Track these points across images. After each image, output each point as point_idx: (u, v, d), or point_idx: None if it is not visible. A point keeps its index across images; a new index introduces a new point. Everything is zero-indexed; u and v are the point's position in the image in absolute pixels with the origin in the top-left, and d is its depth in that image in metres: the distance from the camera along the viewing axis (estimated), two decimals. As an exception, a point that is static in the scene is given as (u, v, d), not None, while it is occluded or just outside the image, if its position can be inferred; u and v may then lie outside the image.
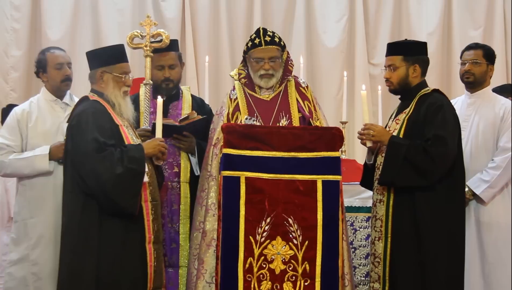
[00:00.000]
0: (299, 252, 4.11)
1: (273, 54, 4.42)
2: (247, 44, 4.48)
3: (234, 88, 4.59)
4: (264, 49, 4.41)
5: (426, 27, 7.34)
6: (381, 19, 7.43)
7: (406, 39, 4.78)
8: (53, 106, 4.66)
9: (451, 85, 7.23)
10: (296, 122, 4.43)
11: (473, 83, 4.82)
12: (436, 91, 4.38)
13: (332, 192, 4.15)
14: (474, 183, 4.64)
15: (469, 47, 4.91)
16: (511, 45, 7.36)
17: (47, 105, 4.65)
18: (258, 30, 4.47)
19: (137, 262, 4.04)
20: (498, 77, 6.63)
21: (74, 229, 3.98)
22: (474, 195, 4.65)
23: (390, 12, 7.40)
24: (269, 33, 4.45)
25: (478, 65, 4.80)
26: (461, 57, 4.92)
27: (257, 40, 4.42)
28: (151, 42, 4.72)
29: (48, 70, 4.64)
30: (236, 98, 4.52)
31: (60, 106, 4.66)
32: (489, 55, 4.85)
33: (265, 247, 4.10)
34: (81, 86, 5.31)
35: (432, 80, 6.55)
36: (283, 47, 4.50)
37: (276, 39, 4.44)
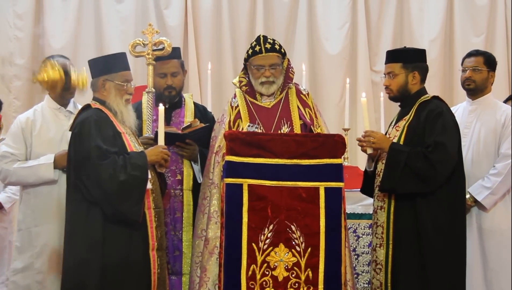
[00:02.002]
0: (302, 259, 4.10)
1: (274, 61, 4.43)
2: (247, 51, 4.49)
3: (235, 96, 4.59)
4: (265, 56, 4.42)
5: (428, 34, 7.32)
6: (383, 26, 7.41)
7: (405, 47, 4.78)
8: (57, 114, 4.65)
9: (453, 92, 7.21)
10: (297, 129, 4.44)
11: (474, 90, 4.83)
12: (435, 98, 4.39)
13: (335, 199, 4.14)
14: (476, 189, 4.64)
15: (470, 54, 4.92)
16: (513, 51, 7.38)
17: (51, 113, 4.65)
18: (258, 37, 4.48)
19: (141, 269, 4.04)
20: (499, 84, 6.64)
21: (77, 236, 3.99)
22: (476, 201, 4.65)
23: (392, 19, 7.39)
24: (269, 40, 4.46)
25: (479, 72, 4.81)
26: (462, 64, 4.93)
27: (257, 48, 4.43)
28: (153, 50, 4.70)
29: (52, 78, 4.65)
30: (237, 105, 4.52)
31: (64, 114, 4.66)
32: (490, 62, 4.86)
33: (268, 254, 4.10)
34: (84, 94, 5.32)
35: (434, 87, 6.57)
36: (284, 55, 4.51)
37: (277, 46, 4.45)
